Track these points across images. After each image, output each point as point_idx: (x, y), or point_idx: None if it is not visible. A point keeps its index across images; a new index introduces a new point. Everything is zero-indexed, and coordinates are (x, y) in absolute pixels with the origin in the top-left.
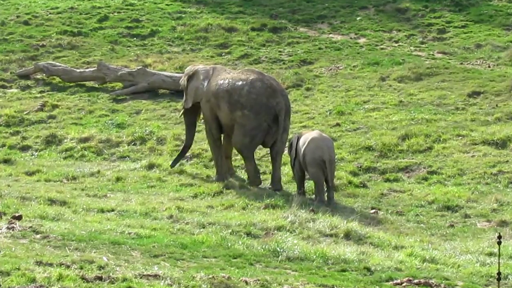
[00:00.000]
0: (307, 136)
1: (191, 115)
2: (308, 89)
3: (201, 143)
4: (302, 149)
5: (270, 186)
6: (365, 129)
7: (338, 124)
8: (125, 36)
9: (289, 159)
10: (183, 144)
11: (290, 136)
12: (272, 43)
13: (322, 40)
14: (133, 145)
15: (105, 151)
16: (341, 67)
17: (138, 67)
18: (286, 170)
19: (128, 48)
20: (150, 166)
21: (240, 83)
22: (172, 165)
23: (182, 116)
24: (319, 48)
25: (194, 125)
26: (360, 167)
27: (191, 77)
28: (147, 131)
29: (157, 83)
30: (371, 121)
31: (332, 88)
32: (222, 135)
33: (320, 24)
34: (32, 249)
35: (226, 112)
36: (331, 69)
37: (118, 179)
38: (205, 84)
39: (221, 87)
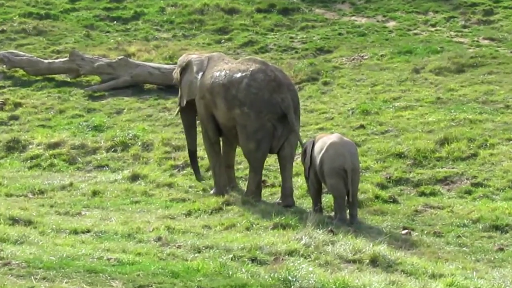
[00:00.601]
0: (325, 140)
1: (188, 115)
2: (326, 84)
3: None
4: (319, 157)
5: (280, 201)
6: (395, 132)
7: (362, 126)
8: (103, 19)
9: (303, 168)
10: (188, 151)
11: (304, 140)
12: (282, 27)
13: (343, 24)
14: (113, 151)
15: (79, 159)
16: (366, 57)
17: (119, 57)
18: (299, 182)
19: (107, 34)
20: (134, 178)
21: (238, 75)
22: (198, 179)
23: (179, 116)
24: (339, 34)
25: (194, 126)
26: (390, 178)
27: (184, 69)
28: (130, 134)
29: (142, 77)
30: (403, 122)
31: (355, 82)
32: (222, 139)
33: (340, 4)
34: None
35: (223, 110)
36: (353, 59)
37: (95, 193)
38: (199, 77)
39: (216, 80)
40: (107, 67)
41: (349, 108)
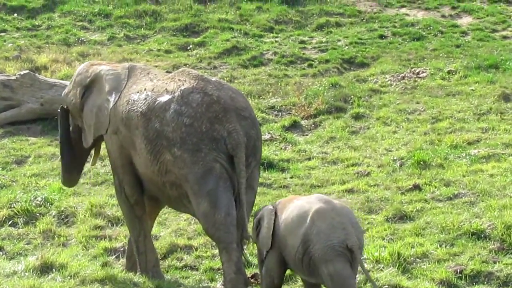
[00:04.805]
0: (302, 206)
1: (75, 159)
2: (358, 118)
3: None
4: (299, 232)
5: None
6: (471, 197)
7: (417, 187)
8: None
9: (256, 247)
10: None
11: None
12: (287, 25)
13: (387, 20)
14: (10, 226)
15: None
16: (424, 74)
17: (22, 72)
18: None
19: (1, 34)
20: (45, 269)
21: (164, 98)
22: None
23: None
24: (381, 36)
25: (78, 168)
26: (461, 272)
27: (88, 87)
28: (39, 198)
29: (58, 103)
30: (483, 181)
31: (405, 116)
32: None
33: None
34: None
35: (144, 155)
36: (403, 78)
37: None
38: (113, 99)
39: (134, 107)
40: (1, 88)
41: (395, 158)
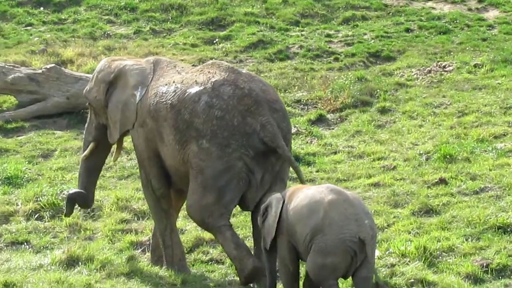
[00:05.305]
0: (313, 196)
1: (95, 157)
2: (384, 111)
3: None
4: (308, 222)
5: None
6: (497, 191)
7: (443, 181)
8: (22, 3)
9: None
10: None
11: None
12: (313, 18)
13: (413, 14)
14: (37, 220)
15: None
16: (450, 67)
17: (48, 66)
18: None
19: (28, 28)
20: (71, 262)
21: (194, 90)
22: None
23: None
24: (407, 30)
25: (97, 171)
26: (487, 266)
27: (112, 83)
28: (65, 192)
29: (83, 97)
30: (510, 175)
31: (431, 110)
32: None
33: None
34: None
35: (172, 145)
36: (430, 72)
37: (6, 286)
38: (139, 94)
39: (162, 99)
40: (28, 82)
41: (421, 152)
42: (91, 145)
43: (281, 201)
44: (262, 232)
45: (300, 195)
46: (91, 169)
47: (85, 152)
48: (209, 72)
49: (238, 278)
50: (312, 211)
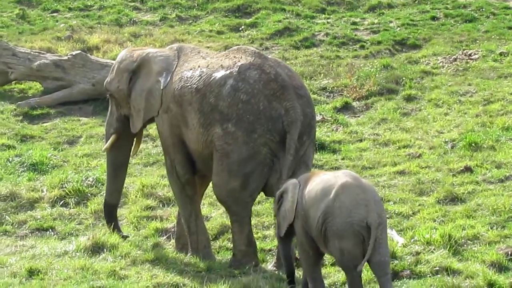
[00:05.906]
0: (328, 180)
1: (118, 149)
2: (409, 99)
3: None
4: (320, 206)
5: (275, 266)
6: None
7: (468, 169)
8: None
9: (276, 224)
10: (104, 204)
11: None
12: (339, 6)
13: (439, 2)
14: (62, 206)
15: (7, 217)
16: (476, 55)
17: (74, 52)
18: None
19: (54, 14)
20: (96, 249)
21: (219, 74)
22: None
23: (107, 152)
24: (433, 18)
25: (123, 166)
26: None
27: (135, 72)
28: (91, 179)
29: None
30: None
31: (457, 98)
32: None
33: None
34: None
35: (197, 129)
36: (455, 60)
37: (31, 273)
38: (164, 81)
39: (187, 84)
40: (53, 69)
41: (447, 140)
42: (112, 137)
43: (297, 186)
44: (277, 218)
45: (316, 180)
46: (118, 166)
47: (107, 144)
48: (235, 56)
49: (262, 266)
50: (325, 194)
